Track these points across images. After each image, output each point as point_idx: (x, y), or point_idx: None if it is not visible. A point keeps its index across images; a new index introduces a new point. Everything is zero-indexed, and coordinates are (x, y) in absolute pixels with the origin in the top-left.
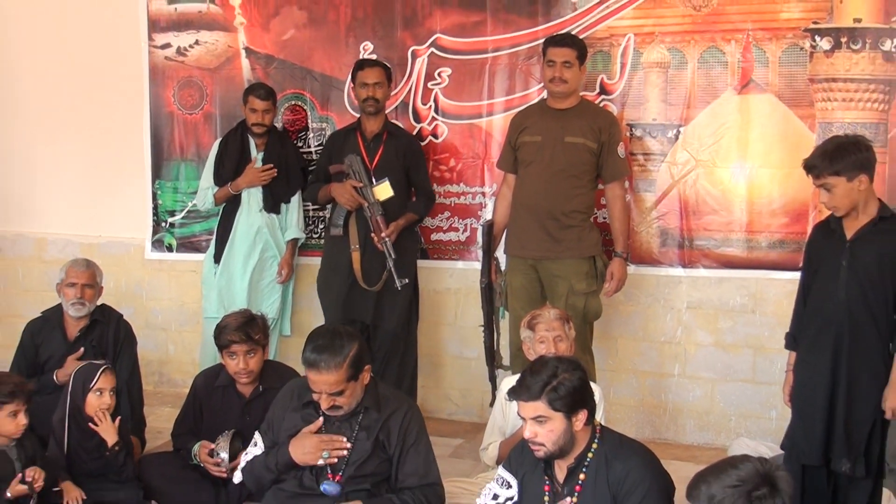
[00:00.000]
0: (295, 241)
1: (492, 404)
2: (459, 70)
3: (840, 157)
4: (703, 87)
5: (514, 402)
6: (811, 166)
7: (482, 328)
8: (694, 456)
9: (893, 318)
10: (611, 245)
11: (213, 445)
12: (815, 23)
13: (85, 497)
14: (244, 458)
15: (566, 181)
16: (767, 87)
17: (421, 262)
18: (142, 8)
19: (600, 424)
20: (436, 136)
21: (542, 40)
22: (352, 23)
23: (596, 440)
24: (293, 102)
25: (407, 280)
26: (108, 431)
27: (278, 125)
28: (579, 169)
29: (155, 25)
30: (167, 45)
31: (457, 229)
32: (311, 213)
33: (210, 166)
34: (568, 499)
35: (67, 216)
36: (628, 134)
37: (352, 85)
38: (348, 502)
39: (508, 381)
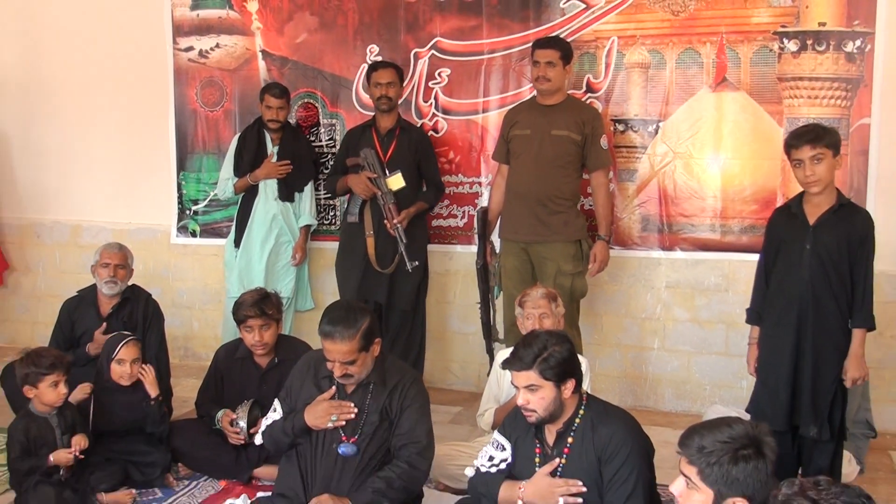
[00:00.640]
0: (308, 227)
1: (488, 375)
2: (458, 70)
3: (829, 133)
4: (680, 85)
5: (509, 372)
6: (816, 136)
7: (479, 305)
8: (672, 422)
9: (851, 295)
10: (596, 230)
11: (234, 415)
12: (783, 27)
13: (87, 445)
14: (264, 423)
15: (553, 171)
16: (739, 85)
17: None
18: (167, 14)
19: (587, 393)
20: (436, 131)
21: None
22: (359, 27)
23: (583, 407)
24: (305, 100)
25: (417, 263)
26: (152, 385)
27: (292, 121)
28: (565, 159)
29: (179, 30)
30: (190, 48)
31: (455, 216)
32: (322, 202)
33: (230, 159)
34: (557, 460)
35: (100, 205)
36: (612, 128)
37: (367, 84)
38: (340, 499)
39: (503, 353)
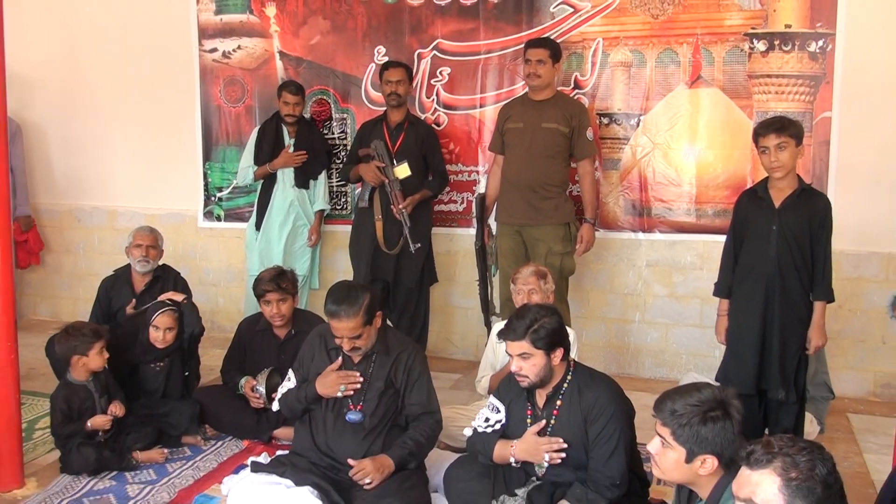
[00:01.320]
0: (321, 211)
1: (486, 345)
2: (457, 69)
3: (794, 124)
4: (659, 82)
5: (503, 342)
6: (782, 126)
7: (478, 283)
8: (651, 388)
9: (812, 271)
10: (583, 214)
11: (255, 382)
12: (753, 28)
13: (123, 412)
14: (280, 391)
15: (544, 160)
16: (713, 82)
17: None
18: (193, 18)
19: (574, 360)
20: (438, 125)
21: None
22: (367, 30)
23: (570, 373)
24: (319, 97)
25: (420, 244)
26: (177, 294)
27: (307, 115)
28: (554, 150)
29: (204, 33)
30: (214, 50)
31: (455, 201)
32: (334, 188)
33: (250, 149)
34: (543, 421)
35: (134, 192)
36: (598, 121)
37: (378, 81)
38: (379, 459)
39: (499, 325)
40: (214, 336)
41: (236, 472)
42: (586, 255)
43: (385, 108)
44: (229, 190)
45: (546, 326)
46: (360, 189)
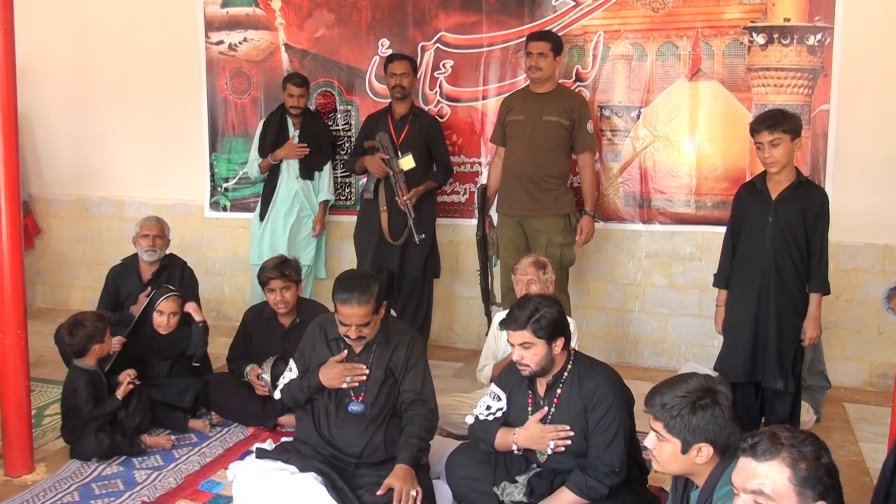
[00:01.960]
0: (326, 202)
1: (487, 334)
2: (460, 62)
3: (788, 119)
4: (660, 75)
5: (505, 331)
6: (775, 122)
7: (479, 273)
8: (650, 376)
9: (808, 263)
10: (583, 205)
11: (260, 370)
12: (752, 22)
13: (136, 374)
14: (282, 381)
15: (544, 152)
16: (713, 75)
17: None
18: (199, 11)
19: (574, 350)
20: (441, 116)
21: None
22: (372, 23)
23: (571, 362)
24: (324, 89)
25: (423, 235)
26: (197, 311)
27: (312, 107)
28: (555, 142)
29: (210, 25)
30: (220, 42)
31: (458, 192)
32: (339, 179)
33: (257, 141)
34: (545, 408)
35: (141, 182)
36: (598, 114)
37: (383, 74)
38: (410, 475)
39: (500, 314)
40: (220, 325)
41: (242, 458)
42: (587, 245)
43: (389, 101)
44: (235, 180)
45: (547, 316)
46: (365, 180)
